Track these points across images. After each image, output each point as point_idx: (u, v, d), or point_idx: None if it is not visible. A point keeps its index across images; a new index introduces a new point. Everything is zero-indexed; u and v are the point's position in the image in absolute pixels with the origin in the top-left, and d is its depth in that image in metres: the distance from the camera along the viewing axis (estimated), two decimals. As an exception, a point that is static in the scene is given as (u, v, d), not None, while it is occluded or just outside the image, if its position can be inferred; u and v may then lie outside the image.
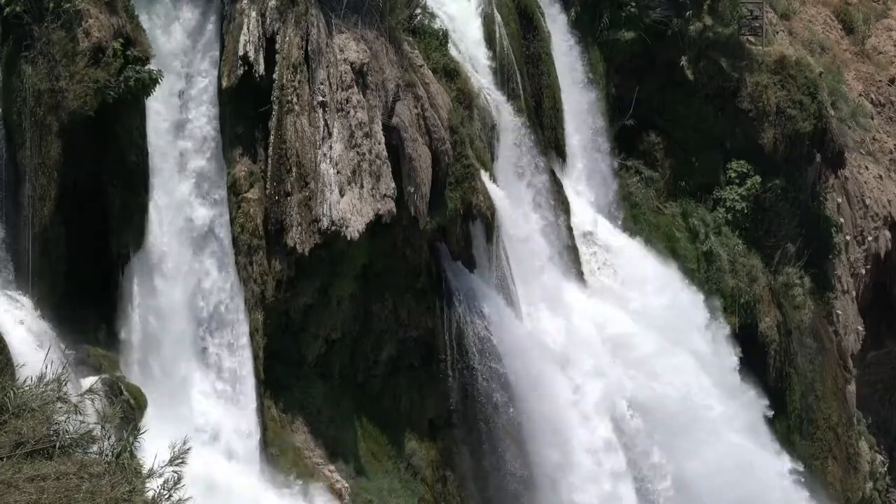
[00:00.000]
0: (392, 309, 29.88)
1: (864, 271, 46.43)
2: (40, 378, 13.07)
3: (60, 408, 12.92)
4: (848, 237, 45.46)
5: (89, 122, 23.83)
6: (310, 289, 28.08)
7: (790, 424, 40.62)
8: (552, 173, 35.08)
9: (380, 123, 28.21)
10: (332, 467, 27.94)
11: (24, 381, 13.27)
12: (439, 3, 33.10)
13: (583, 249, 35.70)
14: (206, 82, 26.61)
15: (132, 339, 24.95)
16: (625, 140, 40.07)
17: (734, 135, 41.51)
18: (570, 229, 35.04)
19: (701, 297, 38.13)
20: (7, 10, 23.47)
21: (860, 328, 45.73)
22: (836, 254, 44.15)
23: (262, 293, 26.93)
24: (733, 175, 41.13)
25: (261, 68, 26.88)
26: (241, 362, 26.48)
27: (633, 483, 32.70)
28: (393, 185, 28.02)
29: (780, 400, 40.40)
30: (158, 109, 25.47)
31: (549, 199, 34.39)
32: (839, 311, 44.28)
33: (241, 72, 26.73)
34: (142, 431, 13.77)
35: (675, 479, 33.53)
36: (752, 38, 43.34)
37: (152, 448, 13.28)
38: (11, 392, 12.74)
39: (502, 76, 34.53)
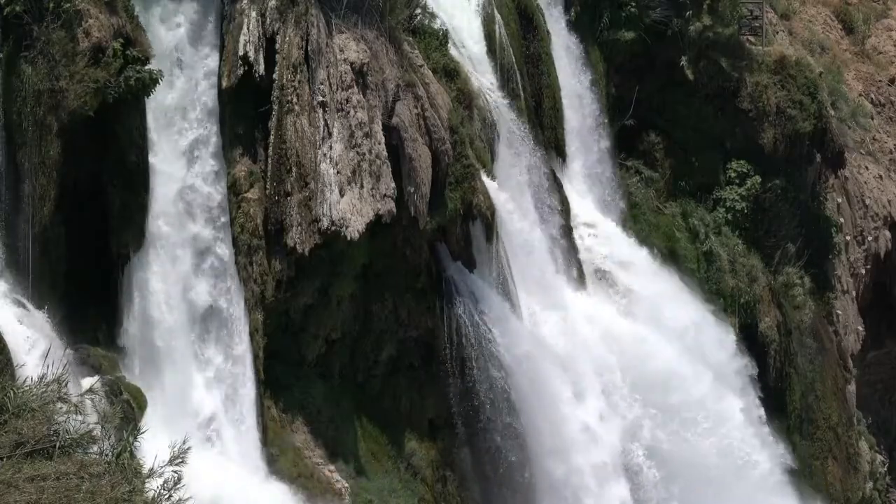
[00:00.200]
0: (392, 309, 29.88)
1: (864, 271, 46.43)
2: (40, 378, 13.07)
3: (60, 408, 12.92)
4: (848, 237, 45.46)
5: (89, 121, 23.83)
6: (310, 289, 28.08)
7: (790, 424, 40.62)
8: (552, 173, 35.08)
9: (380, 123, 28.21)
10: (332, 467, 27.94)
11: (25, 381, 13.27)
12: (439, 3, 33.09)
13: (583, 249, 35.69)
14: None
15: (132, 338, 24.95)
16: (625, 140, 40.07)
17: (734, 135, 41.51)
18: (569, 229, 35.04)
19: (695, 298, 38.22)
20: (7, 10, 23.46)
21: (860, 328, 45.73)
22: (836, 254, 44.15)
23: (262, 293, 26.93)
24: (733, 175, 41.14)
25: (261, 68, 26.87)
26: (241, 362, 26.48)
27: (632, 479, 32.75)
28: (393, 185, 28.02)
29: (780, 400, 40.40)
30: None
31: (549, 199, 34.39)
32: (839, 311, 44.28)
33: (241, 72, 26.73)
34: (142, 431, 13.77)
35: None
36: (752, 38, 43.35)
37: (152, 448, 13.28)
38: (11, 392, 12.74)
39: (502, 76, 34.53)
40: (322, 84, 27.49)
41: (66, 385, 13.19)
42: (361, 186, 27.63)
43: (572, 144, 37.50)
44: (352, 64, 28.02)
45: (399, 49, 29.37)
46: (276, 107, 27.04)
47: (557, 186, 34.96)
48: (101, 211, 24.57)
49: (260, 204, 26.99)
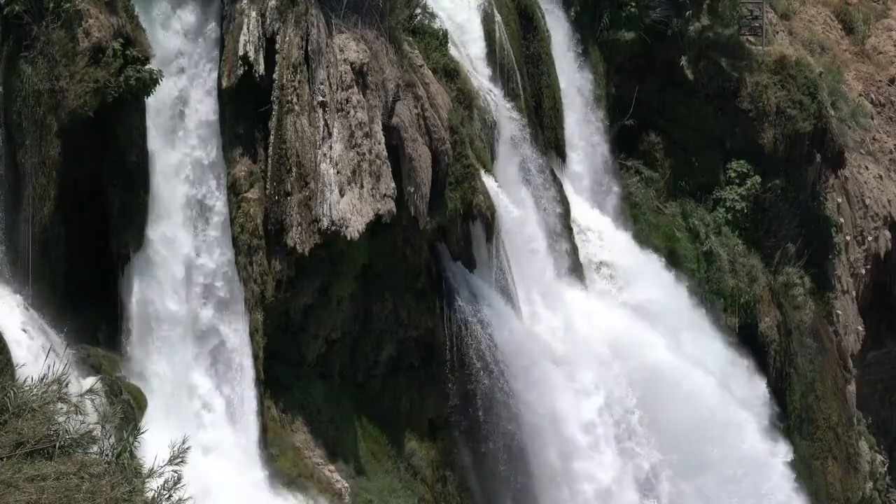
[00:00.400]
0: (392, 309, 29.88)
1: (864, 271, 46.43)
2: (41, 378, 13.07)
3: (61, 408, 12.92)
4: (848, 237, 45.45)
5: (89, 121, 23.83)
6: (310, 289, 28.08)
7: (790, 424, 40.61)
8: (552, 173, 35.08)
9: (380, 123, 28.21)
10: (332, 467, 27.94)
11: (25, 381, 13.27)
12: (439, 3, 33.09)
13: (582, 249, 35.69)
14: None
15: (132, 338, 24.95)
16: (625, 140, 40.07)
17: (734, 135, 41.50)
18: (569, 229, 35.03)
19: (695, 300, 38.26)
20: (7, 10, 23.47)
21: (860, 328, 45.72)
22: (836, 254, 44.14)
23: (262, 293, 26.93)
24: (733, 175, 41.13)
25: (261, 68, 26.87)
26: (241, 362, 26.47)
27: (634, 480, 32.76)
28: (393, 185, 28.02)
29: (780, 400, 40.40)
30: None
31: (549, 199, 34.38)
32: (839, 311, 44.28)
33: (241, 72, 26.73)
34: (142, 431, 13.77)
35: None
36: (752, 38, 43.34)
37: (152, 448, 13.28)
38: (12, 392, 12.74)
39: (502, 76, 34.53)
40: (322, 84, 27.49)
41: (66, 385, 13.19)
42: (361, 186, 27.64)
43: (572, 144, 37.50)
44: (352, 64, 28.02)
45: (399, 49, 29.37)
46: (276, 107, 27.04)
47: (557, 186, 34.96)
48: (101, 211, 24.58)
49: (260, 204, 26.99)
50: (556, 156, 36.54)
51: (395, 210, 28.02)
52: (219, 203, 26.41)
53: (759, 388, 38.06)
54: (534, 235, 33.23)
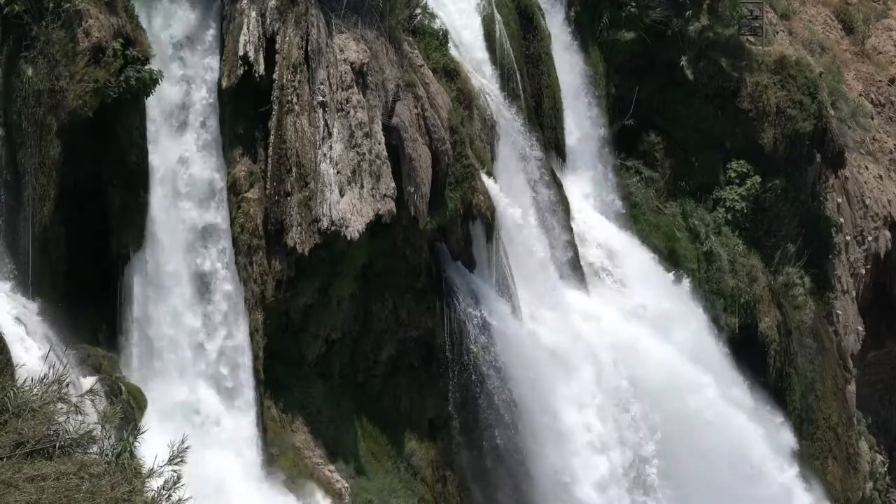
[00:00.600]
0: (392, 309, 29.88)
1: (864, 271, 46.41)
2: (41, 378, 13.06)
3: (61, 408, 12.91)
4: (848, 237, 45.44)
5: (89, 122, 23.84)
6: (310, 289, 28.08)
7: (790, 424, 40.61)
8: (552, 173, 35.08)
9: (380, 123, 28.21)
10: (332, 467, 27.94)
11: (25, 382, 13.27)
12: (439, 3, 33.09)
13: (582, 249, 35.68)
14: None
15: (132, 338, 24.96)
16: (625, 140, 40.05)
17: (734, 135, 41.48)
18: (569, 229, 35.03)
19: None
20: (7, 9, 23.47)
21: (860, 328, 45.71)
22: (836, 254, 44.13)
23: (262, 293, 26.93)
24: (733, 175, 41.12)
25: (261, 68, 26.88)
26: (241, 362, 26.48)
27: (634, 480, 32.74)
28: (393, 185, 28.02)
29: (780, 400, 40.40)
30: None
31: (549, 199, 34.38)
32: (839, 311, 44.27)
33: (241, 72, 26.73)
34: (142, 431, 13.77)
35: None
36: (752, 38, 43.32)
37: (152, 448, 13.28)
38: (12, 392, 12.74)
39: (502, 76, 34.53)
40: (322, 84, 27.49)
41: (66, 385, 13.18)
42: (361, 186, 27.64)
43: (572, 144, 37.49)
44: (352, 64, 28.02)
45: (399, 49, 29.38)
46: (276, 107, 27.05)
47: (557, 186, 34.95)
48: (101, 211, 24.58)
49: (260, 204, 26.99)
50: (556, 156, 36.53)
51: (395, 210, 28.02)
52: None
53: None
54: (533, 235, 33.22)
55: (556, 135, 36.61)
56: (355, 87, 27.96)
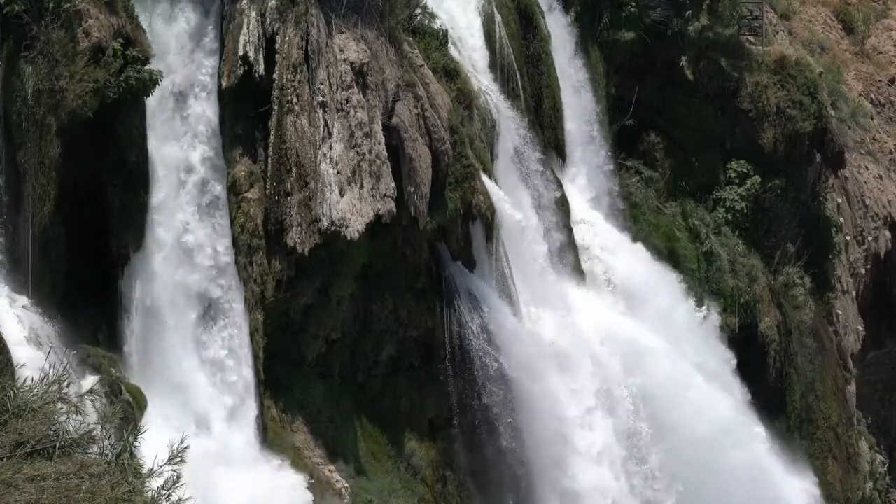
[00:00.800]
0: (392, 309, 29.88)
1: (864, 271, 46.41)
2: (41, 378, 13.06)
3: (61, 408, 12.91)
4: (848, 237, 45.43)
5: (89, 121, 23.84)
6: (310, 289, 28.08)
7: (790, 424, 40.62)
8: (552, 173, 35.08)
9: (380, 123, 28.22)
10: (332, 467, 27.94)
11: (25, 382, 13.26)
12: (439, 2, 33.09)
13: (582, 249, 35.68)
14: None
15: (132, 338, 24.95)
16: (625, 140, 40.04)
17: (734, 135, 41.47)
18: (569, 229, 35.03)
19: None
20: (7, 9, 23.47)
21: (860, 328, 45.70)
22: (836, 254, 44.12)
23: (262, 293, 26.93)
24: (733, 175, 41.11)
25: (261, 68, 26.88)
26: (241, 362, 26.47)
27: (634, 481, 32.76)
28: (393, 185, 28.02)
29: (780, 400, 40.41)
30: None
31: (549, 199, 34.38)
32: (839, 311, 44.26)
33: (241, 72, 26.73)
34: (142, 431, 13.77)
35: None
36: (752, 38, 43.32)
37: (152, 448, 13.28)
38: (12, 392, 12.74)
39: (502, 76, 34.53)
40: (322, 84, 27.49)
41: (66, 385, 13.18)
42: (361, 186, 27.64)
43: (572, 144, 37.48)
44: (352, 64, 28.02)
45: (399, 49, 29.38)
46: (276, 107, 27.05)
47: (557, 186, 34.95)
48: (101, 211, 24.58)
49: (260, 204, 26.99)
50: (556, 156, 36.52)
51: (395, 210, 28.02)
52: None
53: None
54: (533, 235, 33.22)
55: (556, 135, 36.60)
56: (355, 87, 27.96)
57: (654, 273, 37.50)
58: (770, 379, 40.09)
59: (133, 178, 24.60)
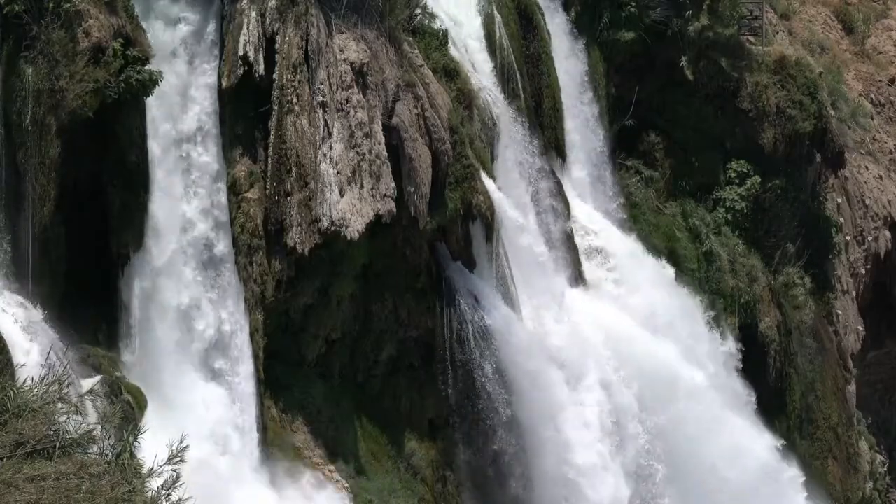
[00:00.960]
0: (392, 309, 29.89)
1: (864, 271, 46.40)
2: (41, 378, 13.06)
3: (61, 408, 12.91)
4: (848, 237, 45.43)
5: (89, 122, 23.84)
6: (310, 289, 28.08)
7: (790, 424, 40.62)
8: (552, 173, 35.08)
9: (380, 123, 28.22)
10: (332, 467, 27.94)
11: (25, 382, 13.26)
12: (439, 3, 33.09)
13: (582, 249, 35.68)
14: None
15: (132, 339, 24.95)
16: (625, 140, 40.05)
17: (734, 135, 41.47)
18: (569, 229, 35.03)
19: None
20: (7, 9, 23.48)
21: (860, 328, 45.70)
22: (836, 254, 44.12)
23: (262, 293, 26.94)
24: (733, 175, 41.10)
25: (261, 68, 26.88)
26: (241, 362, 26.48)
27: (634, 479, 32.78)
28: (393, 185, 28.02)
29: (780, 400, 40.40)
30: None
31: (549, 199, 34.38)
32: (839, 311, 44.26)
33: (241, 72, 26.74)
34: (142, 431, 13.77)
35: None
36: (752, 38, 43.32)
37: (152, 448, 13.28)
38: (12, 392, 12.73)
39: (502, 76, 34.52)
40: (322, 84, 27.49)
41: (66, 385, 13.18)
42: (361, 186, 27.64)
43: (572, 144, 37.48)
44: (352, 64, 28.02)
45: (399, 49, 29.38)
46: (276, 107, 27.05)
47: (557, 186, 34.95)
48: (101, 211, 24.58)
49: (260, 204, 27.00)
50: (556, 156, 36.52)
51: (395, 210, 28.02)
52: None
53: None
54: (533, 235, 33.23)
55: (556, 135, 36.60)
56: (355, 87, 27.96)
57: (653, 272, 37.51)
58: (770, 379, 40.09)
59: (133, 178, 24.60)
